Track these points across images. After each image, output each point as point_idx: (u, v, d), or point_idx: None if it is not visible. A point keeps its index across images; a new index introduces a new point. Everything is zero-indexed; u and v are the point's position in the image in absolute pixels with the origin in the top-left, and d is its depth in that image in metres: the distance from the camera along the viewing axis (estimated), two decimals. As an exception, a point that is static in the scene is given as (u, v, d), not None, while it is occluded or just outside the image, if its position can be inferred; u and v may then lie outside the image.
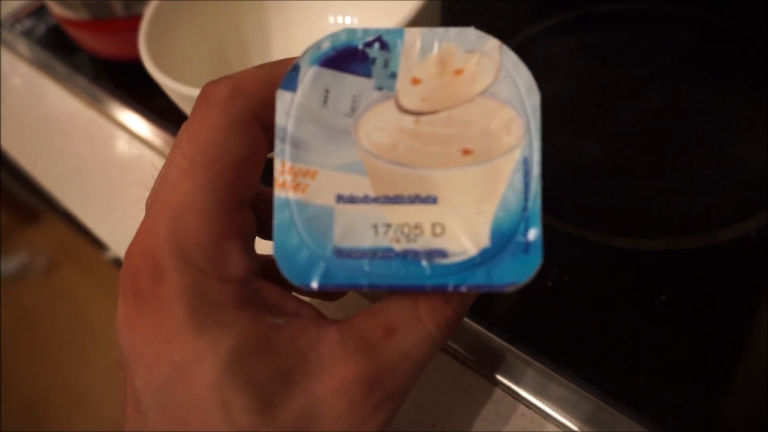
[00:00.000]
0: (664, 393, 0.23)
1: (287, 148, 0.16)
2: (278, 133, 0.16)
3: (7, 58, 0.50)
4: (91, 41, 0.43)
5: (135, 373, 0.15)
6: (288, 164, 0.16)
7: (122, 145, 0.41)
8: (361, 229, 0.16)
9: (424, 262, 0.16)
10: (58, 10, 0.42)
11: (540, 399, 0.23)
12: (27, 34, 0.51)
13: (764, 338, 0.23)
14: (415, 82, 0.16)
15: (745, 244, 0.26)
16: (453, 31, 0.16)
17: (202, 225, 0.16)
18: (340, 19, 0.39)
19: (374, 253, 0.16)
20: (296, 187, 0.16)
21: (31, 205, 1.37)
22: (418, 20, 0.27)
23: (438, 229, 0.16)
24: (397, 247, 0.16)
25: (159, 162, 0.37)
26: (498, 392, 0.24)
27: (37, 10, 0.53)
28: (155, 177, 0.18)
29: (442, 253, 0.16)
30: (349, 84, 0.16)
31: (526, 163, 0.16)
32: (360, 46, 0.16)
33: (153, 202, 0.16)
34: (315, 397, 0.15)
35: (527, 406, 0.23)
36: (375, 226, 0.16)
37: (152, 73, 0.30)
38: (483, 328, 0.25)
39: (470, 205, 0.16)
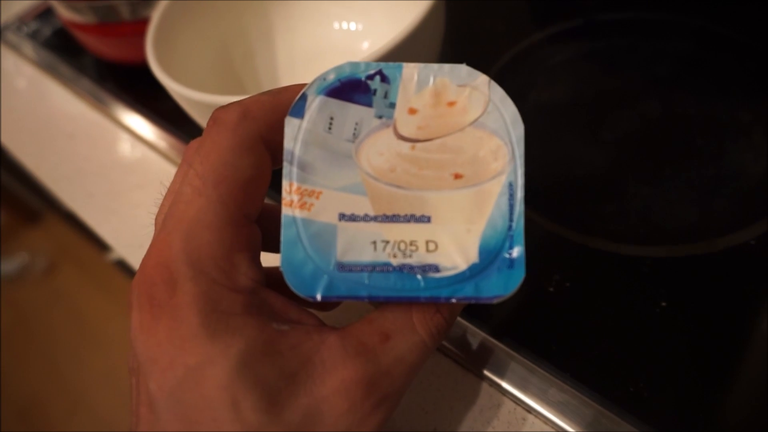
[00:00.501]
0: (664, 399, 0.23)
1: (294, 170, 0.18)
2: (286, 156, 0.18)
3: (13, 59, 0.51)
4: (97, 44, 0.44)
5: (150, 377, 0.16)
6: (295, 185, 0.17)
7: (126, 147, 0.41)
8: (362, 245, 0.17)
9: (418, 276, 0.17)
10: (64, 14, 0.42)
11: (541, 404, 0.24)
12: (33, 36, 0.51)
13: (764, 344, 0.24)
14: (412, 112, 0.18)
15: (744, 251, 0.27)
16: (447, 67, 0.18)
17: (214, 238, 0.17)
18: (345, 25, 0.39)
19: (373, 267, 0.17)
20: (302, 206, 0.17)
21: (32, 206, 1.37)
22: (422, 27, 0.27)
23: (431, 246, 0.17)
24: (394, 262, 0.17)
25: (164, 172, 0.37)
26: (499, 397, 0.24)
27: (42, 12, 0.53)
28: (164, 194, 0.20)
29: (435, 268, 0.17)
30: (352, 112, 0.18)
31: (511, 187, 0.18)
32: (362, 78, 0.18)
33: (167, 218, 0.18)
34: (318, 398, 0.16)
35: (528, 411, 0.24)
36: (374, 243, 0.17)
37: (159, 78, 0.30)
38: (485, 333, 0.26)
39: (461, 224, 0.17)
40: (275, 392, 0.16)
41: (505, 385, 0.24)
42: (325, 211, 0.17)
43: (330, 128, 0.18)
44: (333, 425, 0.16)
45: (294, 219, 0.17)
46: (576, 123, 0.34)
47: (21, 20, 0.53)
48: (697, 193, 0.29)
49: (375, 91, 0.18)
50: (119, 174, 0.39)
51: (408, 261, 0.17)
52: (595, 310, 0.26)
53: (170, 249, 0.17)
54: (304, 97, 0.18)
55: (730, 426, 0.22)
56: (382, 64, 0.18)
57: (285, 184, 0.17)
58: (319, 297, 0.17)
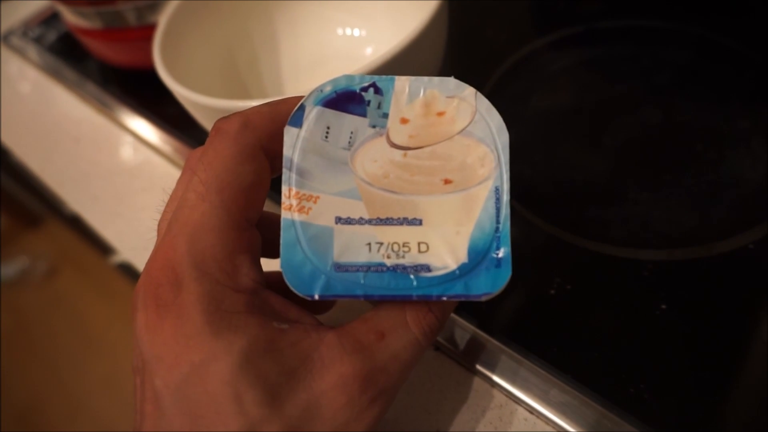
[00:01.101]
0: (665, 400, 0.23)
1: (293, 176, 0.19)
2: (285, 163, 0.19)
3: (18, 64, 0.52)
4: (102, 49, 0.44)
5: (155, 374, 0.17)
6: (294, 190, 0.19)
7: (130, 150, 0.42)
8: (357, 247, 0.18)
9: (411, 275, 0.18)
10: (70, 19, 0.43)
11: (542, 405, 0.24)
12: (37, 41, 0.52)
13: (763, 346, 0.24)
14: (404, 121, 0.19)
15: (743, 255, 0.27)
16: (436, 79, 0.19)
17: (217, 241, 0.18)
18: (348, 31, 0.40)
19: (368, 268, 0.18)
20: (301, 210, 0.18)
21: (33, 210, 1.37)
22: (425, 34, 0.28)
23: (423, 247, 0.18)
24: (388, 262, 0.18)
25: (169, 176, 0.37)
26: (501, 398, 0.25)
27: (48, 18, 0.54)
28: (166, 201, 0.21)
29: (427, 268, 0.18)
30: (348, 122, 0.19)
31: (497, 191, 0.19)
32: (357, 90, 0.19)
33: (172, 222, 0.18)
34: (317, 392, 0.17)
35: (530, 412, 0.24)
36: (369, 244, 0.18)
37: (167, 82, 0.31)
38: (486, 334, 0.26)
39: (450, 227, 0.19)
40: (276, 387, 0.17)
41: (507, 386, 0.25)
42: (322, 215, 0.18)
43: (327, 137, 0.19)
44: (331, 419, 0.17)
45: (293, 222, 0.18)
46: (577, 129, 0.35)
47: (26, 25, 0.54)
48: (697, 198, 0.30)
49: (369, 102, 0.19)
50: (124, 177, 0.40)
51: (401, 261, 0.18)
52: (596, 312, 0.27)
53: (175, 251, 0.17)
54: (302, 108, 0.19)
55: (731, 427, 0.23)
56: (376, 77, 0.19)
57: (284, 189, 0.19)
58: (317, 296, 0.18)
